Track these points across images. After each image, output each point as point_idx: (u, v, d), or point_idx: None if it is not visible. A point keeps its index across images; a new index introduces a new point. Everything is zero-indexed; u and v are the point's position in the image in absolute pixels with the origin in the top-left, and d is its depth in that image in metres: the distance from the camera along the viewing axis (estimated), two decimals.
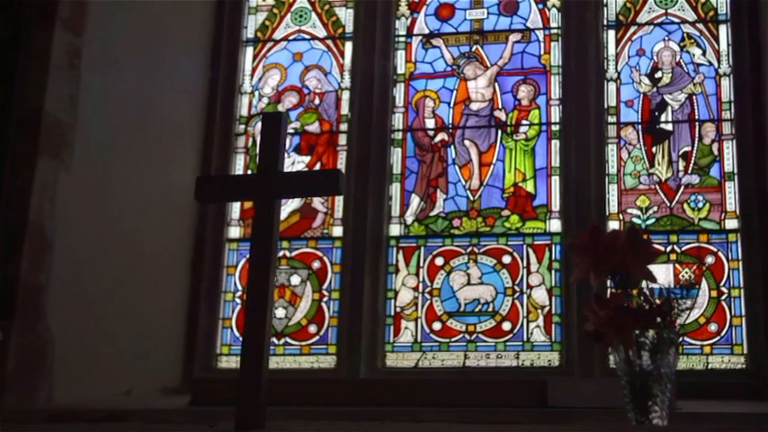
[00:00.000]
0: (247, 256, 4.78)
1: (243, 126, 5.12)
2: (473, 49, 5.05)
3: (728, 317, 4.42)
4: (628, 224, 4.60)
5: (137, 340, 4.39)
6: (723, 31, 4.83)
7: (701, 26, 4.87)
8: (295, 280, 4.81)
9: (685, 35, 4.87)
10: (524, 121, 4.87)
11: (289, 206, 4.91)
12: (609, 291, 4.37)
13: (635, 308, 2.27)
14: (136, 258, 4.45)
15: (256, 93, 5.17)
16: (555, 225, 4.68)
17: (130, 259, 4.41)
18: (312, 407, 3.59)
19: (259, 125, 5.06)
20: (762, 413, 3.64)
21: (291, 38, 5.26)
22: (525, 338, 4.56)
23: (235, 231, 4.96)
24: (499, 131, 4.88)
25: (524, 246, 4.68)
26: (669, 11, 4.92)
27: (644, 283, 2.33)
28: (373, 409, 3.57)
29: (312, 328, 4.74)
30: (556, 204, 4.71)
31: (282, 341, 4.74)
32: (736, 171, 4.60)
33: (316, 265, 4.82)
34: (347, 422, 3.23)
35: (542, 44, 4.99)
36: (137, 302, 4.43)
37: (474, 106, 4.95)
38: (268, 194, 2.52)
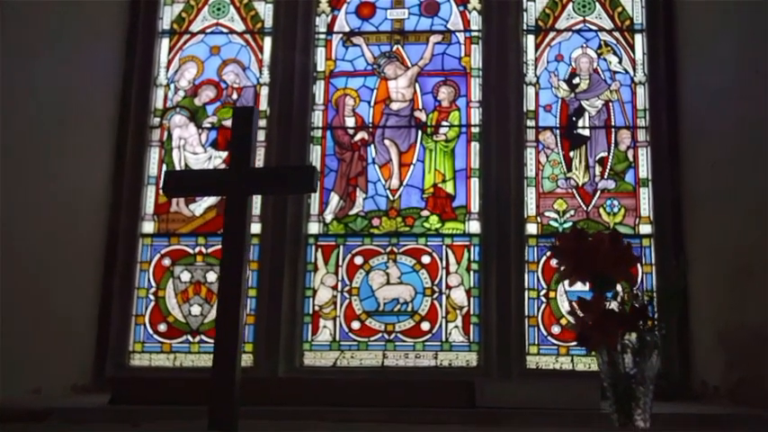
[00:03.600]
0: (162, 251, 4.77)
1: (158, 119, 5.00)
2: (394, 48, 5.05)
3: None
4: (545, 227, 4.67)
5: (47, 337, 4.24)
6: (639, 40, 4.95)
7: (617, 35, 4.97)
8: (211, 277, 4.73)
9: (602, 43, 4.97)
10: (444, 123, 4.89)
11: (205, 202, 4.84)
12: (528, 291, 4.47)
13: (620, 311, 2.29)
14: (47, 252, 4.30)
15: (172, 85, 5.07)
16: (474, 226, 4.71)
17: (42, 253, 4.26)
18: None
19: (175, 118, 4.99)
20: (679, 413, 3.73)
21: (209, 31, 5.17)
22: (444, 339, 4.58)
23: (149, 226, 4.84)
24: (419, 132, 4.90)
25: (443, 246, 4.70)
26: (587, 18, 5.01)
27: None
28: (300, 408, 3.54)
29: None
30: (475, 206, 4.74)
31: (198, 339, 4.67)
32: (650, 177, 4.71)
33: None
34: (305, 422, 3.19)
35: (463, 46, 5.02)
36: (48, 297, 4.28)
37: (394, 106, 4.95)
38: (240, 190, 2.46)
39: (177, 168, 4.87)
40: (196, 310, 4.70)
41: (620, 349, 2.31)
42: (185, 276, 4.75)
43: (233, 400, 2.38)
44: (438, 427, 3.29)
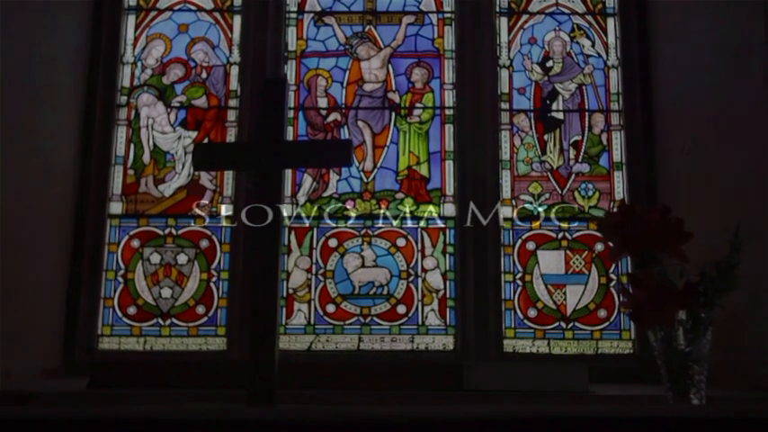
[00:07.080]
0: (130, 233, 4.67)
1: (125, 97, 4.88)
2: (366, 29, 4.99)
3: (617, 303, 4.52)
4: (520, 210, 4.66)
5: (14, 320, 4.11)
6: (611, 24, 4.96)
7: (590, 18, 4.97)
8: (182, 259, 4.64)
9: (575, 26, 4.96)
10: (418, 104, 4.85)
11: (175, 182, 4.75)
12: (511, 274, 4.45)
13: (673, 287, 2.27)
14: (13, 234, 4.17)
15: (139, 63, 4.94)
16: (449, 209, 4.68)
17: (7, 234, 4.13)
18: (204, 390, 3.51)
19: (143, 97, 4.88)
20: (655, 396, 3.75)
21: (176, 8, 5.05)
22: (420, 322, 4.55)
23: (116, 207, 4.72)
24: (393, 114, 4.85)
25: (419, 229, 4.67)
26: (559, 1, 5.01)
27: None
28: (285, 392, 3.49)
29: (200, 309, 4.59)
30: (450, 188, 4.71)
31: (168, 322, 4.57)
32: (624, 161, 4.73)
33: (204, 244, 4.66)
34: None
35: (436, 28, 4.98)
36: (14, 280, 4.15)
37: (367, 87, 4.89)
38: (273, 165, 2.38)
39: (146, 148, 4.78)
40: (166, 292, 4.60)
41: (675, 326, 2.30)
42: (155, 258, 4.65)
43: (272, 380, 2.32)
44: (435, 408, 3.26)
